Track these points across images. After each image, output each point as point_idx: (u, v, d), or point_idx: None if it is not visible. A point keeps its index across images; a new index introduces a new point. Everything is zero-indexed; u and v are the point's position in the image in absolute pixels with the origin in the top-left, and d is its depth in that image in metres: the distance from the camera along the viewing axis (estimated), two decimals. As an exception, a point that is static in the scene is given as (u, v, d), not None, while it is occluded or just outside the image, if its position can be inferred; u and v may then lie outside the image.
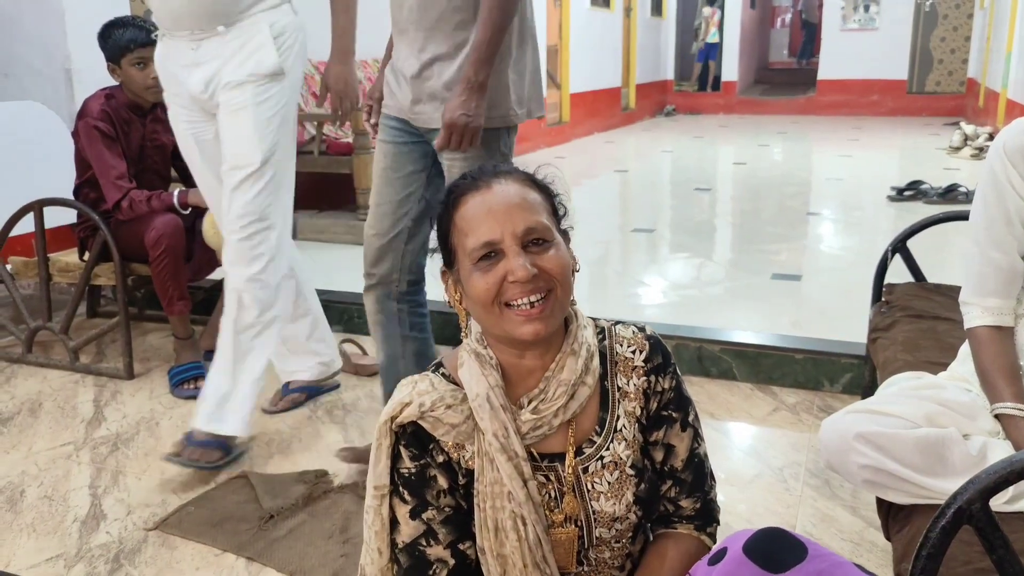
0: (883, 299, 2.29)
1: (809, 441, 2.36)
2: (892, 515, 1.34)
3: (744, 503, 2.04)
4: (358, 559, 1.83)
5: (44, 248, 2.98)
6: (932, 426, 1.31)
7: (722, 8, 14.25)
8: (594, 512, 1.11)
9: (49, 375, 2.95)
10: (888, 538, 1.37)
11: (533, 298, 1.04)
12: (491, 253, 1.05)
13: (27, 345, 3.05)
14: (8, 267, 3.11)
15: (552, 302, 1.06)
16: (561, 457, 1.12)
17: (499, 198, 1.07)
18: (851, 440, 1.33)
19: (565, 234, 1.14)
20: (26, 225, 3.00)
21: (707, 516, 1.19)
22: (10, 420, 2.59)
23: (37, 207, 2.93)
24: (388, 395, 1.95)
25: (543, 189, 1.13)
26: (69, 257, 3.12)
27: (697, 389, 2.73)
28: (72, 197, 2.96)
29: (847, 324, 2.93)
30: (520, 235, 1.05)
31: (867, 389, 2.28)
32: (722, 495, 1.25)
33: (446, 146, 1.81)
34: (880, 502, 1.40)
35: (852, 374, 2.67)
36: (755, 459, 2.28)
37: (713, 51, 14.40)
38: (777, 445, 2.36)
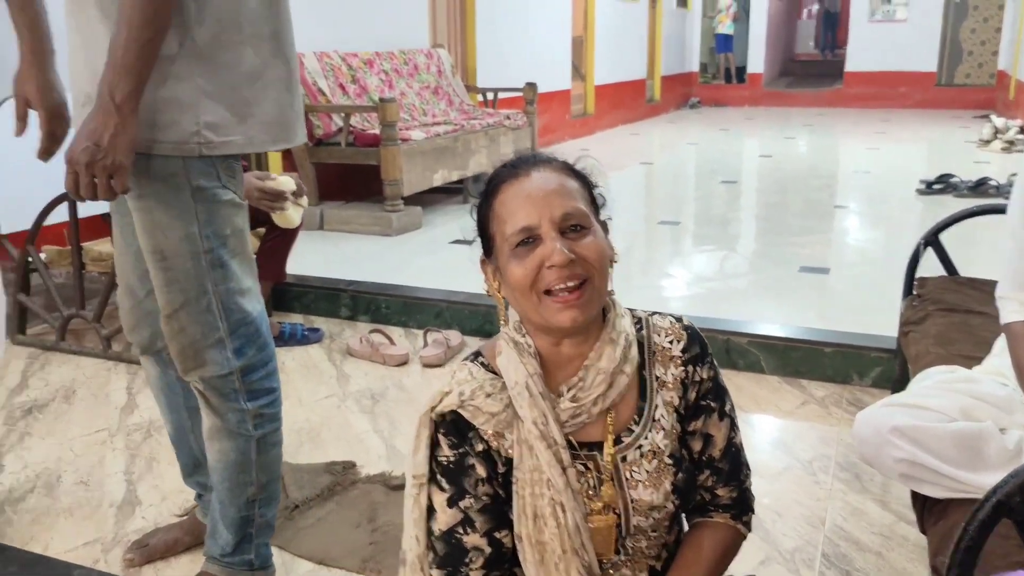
0: (915, 292, 2.27)
1: (838, 435, 2.35)
2: (927, 509, 1.33)
3: (773, 496, 2.04)
4: (386, 547, 1.87)
5: (77, 237, 3.02)
6: (968, 420, 1.30)
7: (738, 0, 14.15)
8: (632, 501, 1.12)
9: (82, 362, 3.00)
10: (923, 531, 1.36)
11: (571, 283, 1.04)
12: (529, 239, 1.06)
13: (60, 333, 3.10)
14: (42, 256, 3.15)
15: (589, 289, 1.06)
16: (599, 446, 1.12)
17: (537, 184, 1.07)
18: (886, 433, 1.32)
19: (604, 225, 1.14)
20: (59, 215, 3.05)
21: (743, 505, 1.20)
22: (45, 407, 2.63)
23: (70, 197, 2.97)
24: (183, 466, 1.84)
25: (581, 178, 1.13)
26: (102, 246, 3.16)
27: (726, 382, 2.72)
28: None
29: (876, 318, 2.91)
30: (558, 220, 1.05)
31: (897, 383, 2.26)
32: (753, 489, 1.25)
33: (72, 191, 1.34)
34: (915, 496, 1.39)
35: (882, 368, 2.65)
36: (784, 452, 2.27)
37: (728, 43, 14.29)
38: (806, 438, 2.35)
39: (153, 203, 1.39)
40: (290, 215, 2.94)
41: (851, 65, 13.20)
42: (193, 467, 1.83)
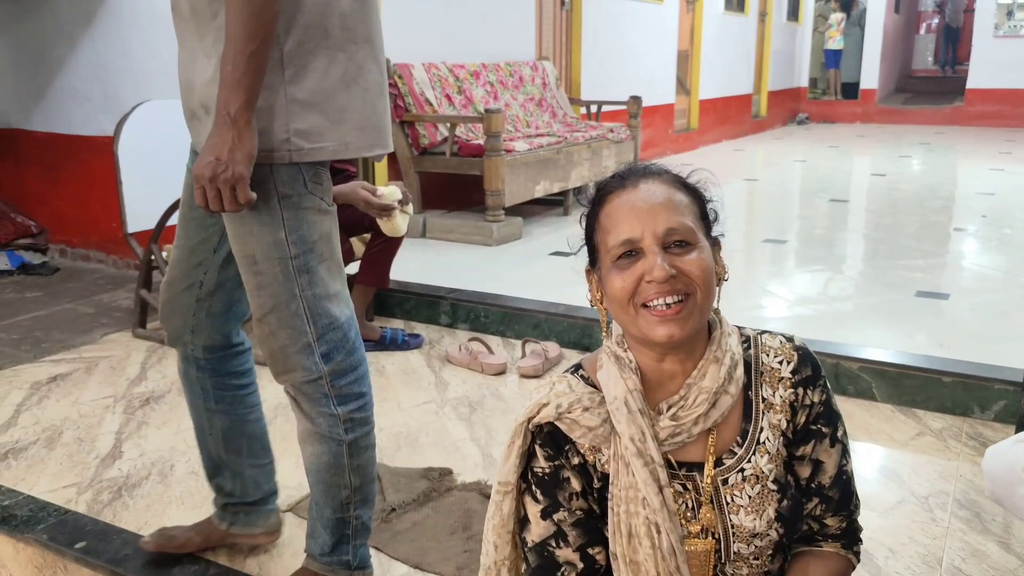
0: (1048, 322, 2.13)
1: (958, 470, 2.22)
2: (1065, 555, 1.23)
3: (885, 531, 1.94)
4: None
5: (196, 238, 3.16)
6: (1116, 462, 1.20)
7: (848, 12, 13.67)
8: (732, 526, 1.08)
9: (196, 358, 3.12)
10: (1059, 580, 1.27)
11: (670, 299, 1.02)
12: (631, 252, 1.04)
13: (177, 329, 3.24)
14: (164, 255, 3.31)
15: (690, 306, 1.03)
16: (700, 467, 1.09)
17: (643, 197, 1.06)
18: (1021, 472, 1.23)
19: (715, 241, 1.11)
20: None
21: (852, 535, 1.15)
22: (161, 398, 2.75)
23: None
24: (204, 467, 1.82)
25: (693, 192, 1.11)
26: (218, 247, 3.30)
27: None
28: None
29: (1000, 347, 2.75)
30: (661, 235, 1.03)
31: (1025, 419, 2.12)
32: (862, 520, 1.19)
33: (202, 205, 1.36)
34: (1050, 540, 1.29)
35: (1006, 401, 2.49)
36: (898, 485, 2.16)
37: (837, 59, 13.83)
38: (922, 472, 2.22)
39: (244, 210, 1.40)
40: (397, 224, 2.99)
41: (973, 82, 12.58)
42: (213, 469, 1.82)
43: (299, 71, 1.37)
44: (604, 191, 1.10)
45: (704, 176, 1.14)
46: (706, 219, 1.10)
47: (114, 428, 2.53)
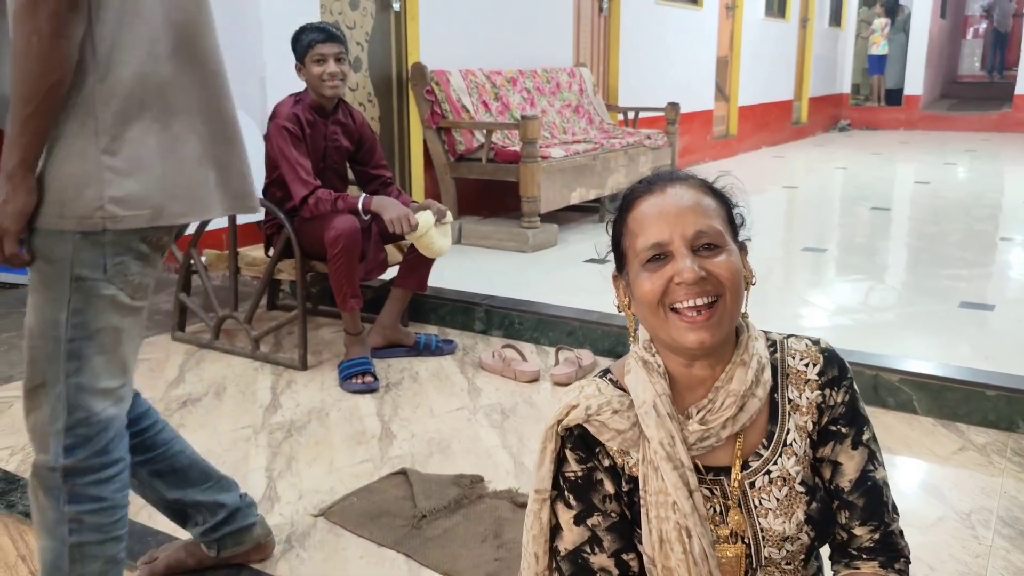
0: (1098, 336, 2.06)
1: (1002, 486, 2.16)
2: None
3: (925, 548, 1.89)
4: (511, 564, 1.85)
5: (235, 243, 3.21)
6: None
7: (893, 17, 13.44)
8: (762, 530, 1.07)
9: (233, 361, 3.16)
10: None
11: (700, 301, 1.02)
12: (660, 255, 1.05)
13: (215, 332, 3.29)
14: (203, 259, 3.36)
15: (720, 309, 1.03)
16: (727, 471, 1.08)
17: (671, 201, 1.06)
18: (1066, 491, 1.19)
19: (742, 246, 1.11)
20: (220, 221, 3.25)
21: (892, 551, 1.10)
22: (198, 401, 2.79)
23: (231, 204, 3.16)
24: (169, 517, 1.78)
25: (720, 197, 1.11)
26: (256, 252, 3.34)
27: (872, 420, 2.57)
28: (261, 196, 3.17)
29: (1048, 361, 2.67)
30: (690, 238, 1.03)
31: (1074, 435, 2.06)
32: (901, 537, 1.15)
33: None
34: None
35: (1054, 417, 2.42)
36: (938, 501, 2.11)
37: (881, 64, 13.60)
38: (964, 487, 2.17)
39: (37, 281, 1.39)
40: (437, 245, 3.01)
41: (1022, 88, 12.29)
42: (177, 515, 1.78)
43: (115, 140, 1.36)
44: (632, 196, 1.11)
45: (731, 182, 1.14)
46: (733, 224, 1.11)
47: (152, 430, 2.57)
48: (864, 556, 1.10)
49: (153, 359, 3.17)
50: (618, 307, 1.15)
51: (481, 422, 2.63)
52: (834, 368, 1.12)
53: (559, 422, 1.10)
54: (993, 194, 7.14)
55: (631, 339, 1.15)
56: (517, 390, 2.88)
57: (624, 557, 1.09)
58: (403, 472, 2.29)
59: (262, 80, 3.88)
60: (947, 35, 16.16)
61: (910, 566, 1.12)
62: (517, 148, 4.62)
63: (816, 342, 1.14)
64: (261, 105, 3.80)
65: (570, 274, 4.18)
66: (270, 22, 3.86)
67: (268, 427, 2.58)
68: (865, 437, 1.11)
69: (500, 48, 5.56)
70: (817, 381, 1.11)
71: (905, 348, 3.01)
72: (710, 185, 1.11)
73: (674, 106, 6.06)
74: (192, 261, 3.33)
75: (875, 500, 1.10)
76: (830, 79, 13.09)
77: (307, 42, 2.97)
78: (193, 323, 3.45)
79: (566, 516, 1.10)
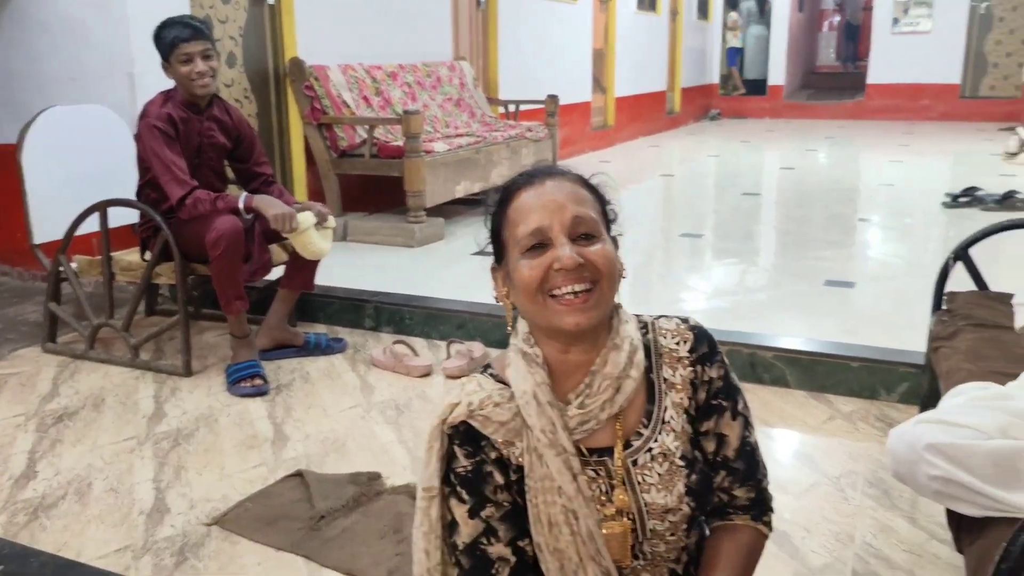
0: (944, 307, 2.25)
1: (866, 450, 2.33)
2: (963, 527, 1.32)
3: (800, 512, 2.02)
4: (412, 559, 1.87)
5: (108, 247, 3.06)
6: (1006, 438, 1.29)
7: (736, 8, 14.20)
8: (646, 504, 1.13)
9: (111, 371, 3.03)
10: (959, 550, 1.35)
11: (577, 287, 1.07)
12: (540, 244, 1.08)
13: (90, 341, 3.14)
14: (73, 265, 3.19)
15: (596, 295, 1.08)
16: (610, 451, 1.13)
17: (550, 191, 1.11)
18: (921, 451, 1.31)
19: (615, 240, 1.16)
20: (89, 225, 3.09)
21: (762, 504, 1.20)
22: (75, 414, 2.66)
23: (102, 207, 3.01)
24: None
25: (595, 192, 1.17)
26: (131, 256, 3.20)
27: (750, 396, 2.67)
28: (135, 198, 3.04)
29: (903, 332, 2.89)
30: (569, 224, 1.08)
31: (927, 399, 2.24)
32: (778, 503, 1.24)
33: None
34: (951, 514, 1.38)
35: (910, 383, 2.63)
36: (811, 468, 2.26)
37: (736, 56, 14.35)
38: (833, 454, 2.33)
39: None
40: (316, 246, 2.96)
41: (873, 77, 13.12)
42: None
43: None
44: (512, 188, 1.15)
45: (605, 179, 1.20)
46: (607, 219, 1.16)
47: (27, 447, 2.43)
48: (740, 512, 1.19)
49: (23, 373, 3.00)
50: (496, 298, 1.18)
51: (376, 419, 2.62)
52: (704, 345, 1.18)
53: (444, 421, 1.13)
54: (851, 178, 7.62)
55: (509, 329, 1.19)
56: (410, 385, 2.89)
57: (520, 544, 1.12)
58: (299, 474, 2.26)
59: (130, 77, 3.70)
60: (805, 27, 17.05)
61: (773, 514, 1.22)
62: (400, 143, 4.60)
63: (685, 320, 1.21)
64: (130, 103, 3.63)
65: (458, 267, 4.20)
66: (137, 16, 3.69)
67: (153, 437, 2.49)
68: (740, 407, 1.19)
69: (379, 42, 5.50)
70: (689, 358, 1.17)
71: (777, 326, 3.19)
72: (586, 180, 1.16)
73: (553, 98, 6.17)
74: (61, 268, 3.16)
75: (752, 463, 1.19)
76: (700, 70, 13.59)
77: (170, 40, 2.84)
78: (65, 333, 3.28)
79: (460, 511, 1.12)
